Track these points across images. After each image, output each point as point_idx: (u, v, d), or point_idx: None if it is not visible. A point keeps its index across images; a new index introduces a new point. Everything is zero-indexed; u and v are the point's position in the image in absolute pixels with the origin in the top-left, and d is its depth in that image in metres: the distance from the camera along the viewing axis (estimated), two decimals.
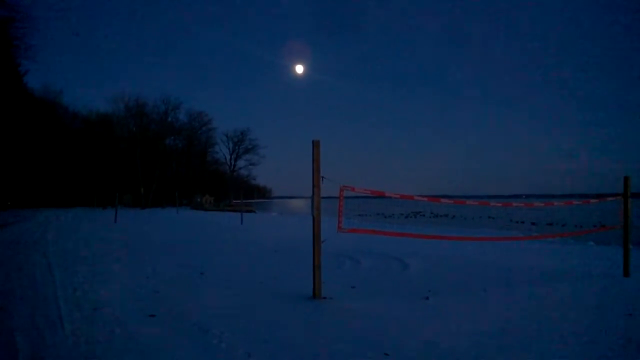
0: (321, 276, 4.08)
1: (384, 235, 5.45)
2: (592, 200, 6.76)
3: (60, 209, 31.30)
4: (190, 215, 25.87)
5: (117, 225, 15.44)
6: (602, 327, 3.18)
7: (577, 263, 6.72)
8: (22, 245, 8.48)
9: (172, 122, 48.44)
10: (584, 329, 3.15)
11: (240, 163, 57.07)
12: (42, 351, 2.63)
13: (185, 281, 4.97)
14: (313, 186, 4.09)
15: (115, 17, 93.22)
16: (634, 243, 6.64)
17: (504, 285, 4.84)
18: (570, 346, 2.77)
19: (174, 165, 49.91)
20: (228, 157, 56.64)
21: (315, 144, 4.10)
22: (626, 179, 5.45)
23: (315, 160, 4.10)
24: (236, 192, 52.70)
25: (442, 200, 5.57)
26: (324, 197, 4.20)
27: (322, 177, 4.11)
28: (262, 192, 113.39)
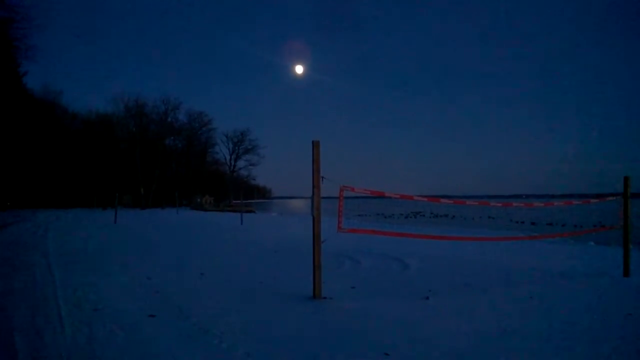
0: (321, 276, 4.08)
1: (383, 235, 5.45)
2: (592, 200, 6.76)
3: (59, 209, 31.29)
4: (190, 216, 25.87)
5: (117, 225, 15.43)
6: (602, 327, 3.18)
7: (577, 263, 6.73)
8: (21, 245, 8.48)
9: (171, 123, 48.44)
10: (584, 329, 3.15)
11: (240, 163, 57.09)
12: (42, 351, 2.63)
13: (185, 281, 4.97)
14: (313, 186, 4.09)
15: (115, 17, 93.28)
16: (634, 243, 6.63)
17: (504, 285, 4.84)
18: (571, 346, 2.77)
19: (174, 165, 49.88)
20: (228, 157, 56.66)
21: (315, 144, 4.10)
22: (626, 179, 5.46)
23: (315, 160, 4.10)
24: (236, 192, 52.69)
25: (442, 200, 5.58)
26: (323, 197, 4.20)
27: (322, 177, 4.11)
28: (262, 193, 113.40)
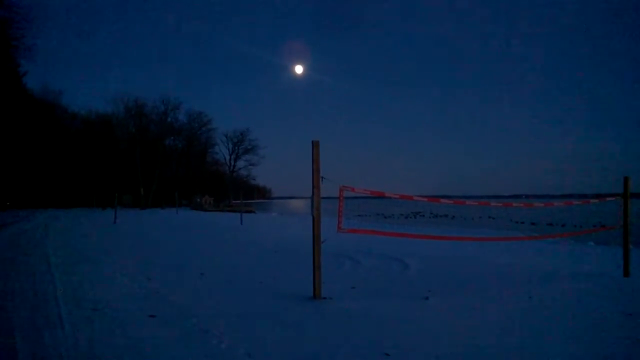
0: (321, 276, 4.08)
1: (383, 235, 5.45)
2: (592, 201, 6.77)
3: (59, 209, 31.27)
4: (190, 216, 25.86)
5: (117, 225, 15.43)
6: (603, 327, 3.18)
7: (577, 263, 6.73)
8: (21, 245, 8.47)
9: (171, 123, 48.45)
10: (584, 329, 3.15)
11: (240, 163, 57.08)
12: (42, 351, 2.63)
13: (186, 282, 4.97)
14: (313, 186, 4.09)
15: (115, 18, 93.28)
16: (634, 243, 6.64)
17: (504, 286, 4.84)
18: (571, 346, 2.77)
19: (174, 165, 49.87)
20: (228, 157, 56.65)
21: (315, 144, 4.10)
22: (626, 179, 5.46)
23: (315, 160, 4.10)
24: (236, 192, 52.65)
25: (442, 200, 5.58)
26: (323, 198, 4.20)
27: (322, 178, 4.11)
28: (262, 193, 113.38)
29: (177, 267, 6.04)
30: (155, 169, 43.36)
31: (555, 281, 5.06)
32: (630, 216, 5.52)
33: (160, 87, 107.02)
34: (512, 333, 3.03)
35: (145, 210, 35.33)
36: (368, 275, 5.57)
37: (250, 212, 33.17)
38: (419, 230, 14.86)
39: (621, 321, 3.37)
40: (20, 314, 3.48)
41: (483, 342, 2.83)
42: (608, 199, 6.22)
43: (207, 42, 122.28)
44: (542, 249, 8.95)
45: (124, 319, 3.31)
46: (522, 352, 2.65)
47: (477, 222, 23.98)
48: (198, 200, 46.11)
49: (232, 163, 56.58)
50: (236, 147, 56.15)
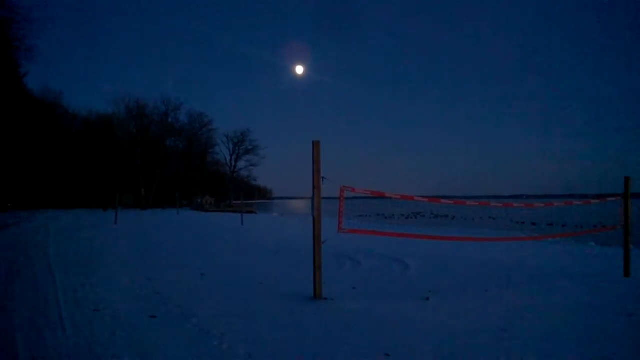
0: (322, 277, 4.09)
1: (384, 235, 5.45)
2: (593, 201, 6.76)
3: (60, 210, 31.31)
4: (191, 216, 25.87)
5: (118, 226, 15.44)
6: (603, 327, 3.18)
7: (578, 263, 6.73)
8: (22, 246, 8.48)
9: (172, 123, 48.47)
10: (585, 328, 3.15)
11: (241, 164, 57.03)
12: (43, 351, 2.64)
13: (186, 282, 4.97)
14: (313, 187, 4.09)
15: (115, 18, 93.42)
16: (635, 243, 6.63)
17: (505, 286, 4.84)
18: (571, 346, 2.77)
19: (175, 166, 49.88)
20: (228, 158, 56.62)
21: (316, 145, 4.11)
22: (627, 179, 5.46)
23: (316, 161, 4.10)
24: (237, 193, 52.67)
25: (442, 200, 5.58)
26: (324, 198, 4.20)
27: (323, 178, 4.11)
28: (263, 193, 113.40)
29: (178, 267, 6.04)
30: (156, 169, 43.39)
31: (555, 281, 5.06)
32: (630, 216, 5.52)
33: (160, 88, 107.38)
34: (513, 333, 3.03)
35: (146, 211, 35.35)
36: (368, 275, 5.57)
37: (251, 212, 33.18)
38: (419, 231, 14.85)
39: (621, 321, 3.37)
40: (21, 314, 3.49)
41: (484, 341, 2.83)
42: (609, 199, 6.21)
43: (208, 42, 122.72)
44: (543, 249, 8.95)
45: (125, 320, 3.32)
46: (524, 352, 2.65)
47: (478, 222, 23.96)
48: (199, 200, 46.13)
49: (233, 163, 56.60)
50: (237, 148, 56.17)
